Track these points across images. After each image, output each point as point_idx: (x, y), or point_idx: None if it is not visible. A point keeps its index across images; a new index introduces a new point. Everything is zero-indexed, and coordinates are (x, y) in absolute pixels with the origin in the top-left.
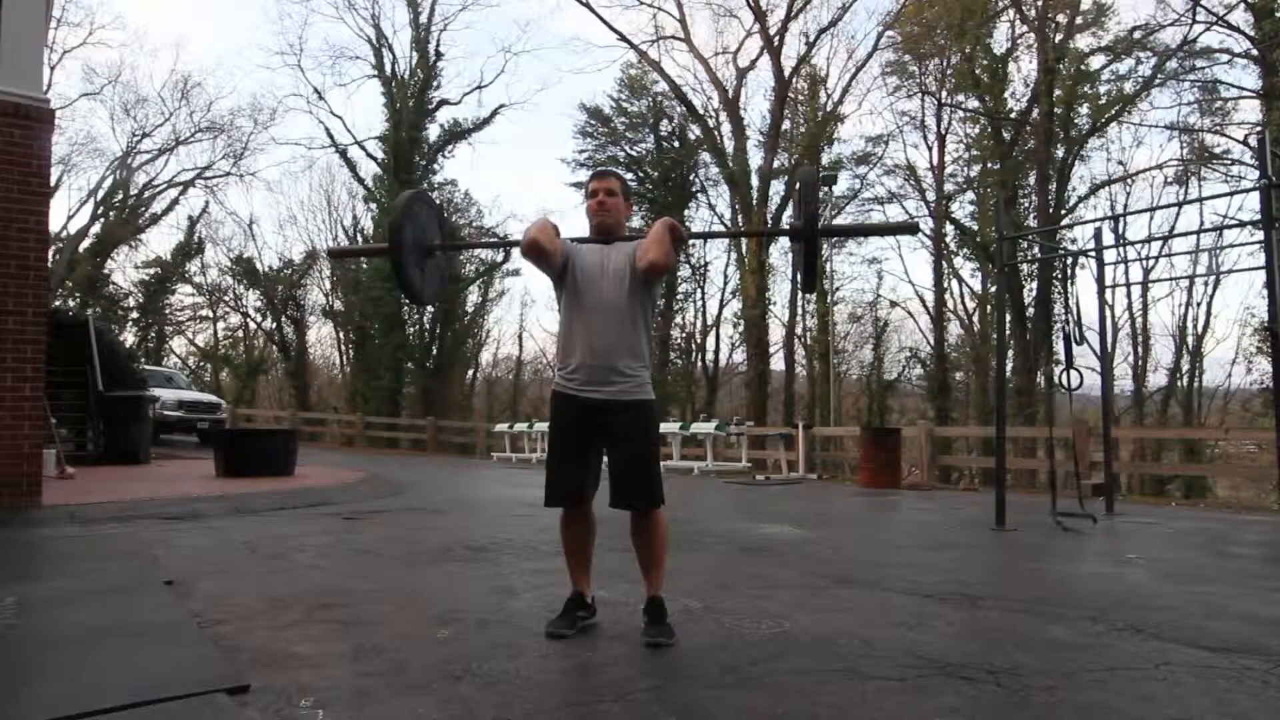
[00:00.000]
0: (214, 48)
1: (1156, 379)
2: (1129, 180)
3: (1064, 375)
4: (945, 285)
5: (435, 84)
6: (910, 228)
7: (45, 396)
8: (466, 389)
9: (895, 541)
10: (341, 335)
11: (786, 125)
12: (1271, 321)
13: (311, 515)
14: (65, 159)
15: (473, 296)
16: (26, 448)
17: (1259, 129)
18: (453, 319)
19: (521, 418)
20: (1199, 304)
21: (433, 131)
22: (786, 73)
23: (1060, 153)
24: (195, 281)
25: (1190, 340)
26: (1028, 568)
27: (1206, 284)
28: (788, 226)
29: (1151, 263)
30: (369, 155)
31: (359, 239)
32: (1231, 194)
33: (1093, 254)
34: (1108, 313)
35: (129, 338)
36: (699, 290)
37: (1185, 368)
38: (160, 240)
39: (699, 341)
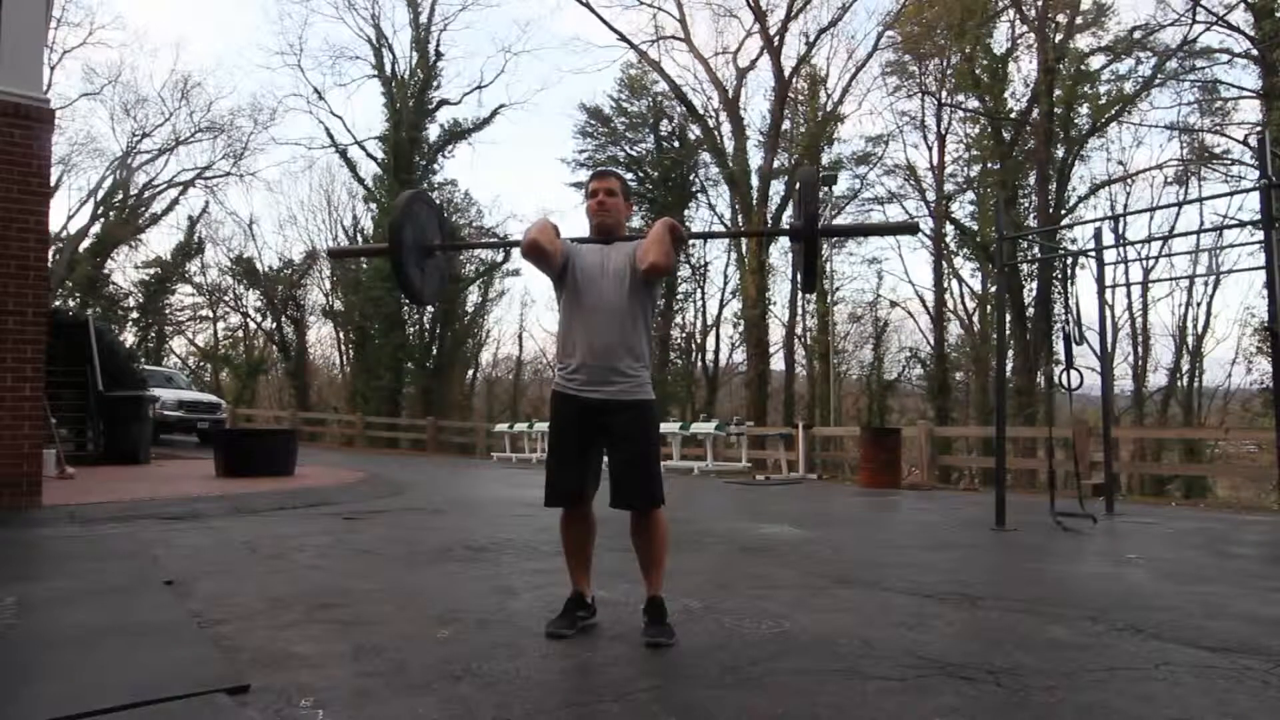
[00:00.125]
0: (214, 48)
1: (1156, 379)
2: (1129, 180)
3: (1064, 375)
4: (945, 285)
5: (435, 84)
6: (910, 228)
7: (45, 396)
8: (466, 389)
9: (895, 541)
10: (341, 335)
11: (786, 125)
12: (1271, 321)
13: (311, 515)
14: (65, 159)
15: (473, 296)
16: (26, 448)
17: (1259, 129)
18: (453, 319)
19: (521, 418)
20: (1199, 304)
21: (433, 131)
22: (786, 73)
23: (1060, 153)
24: (195, 281)
25: (1190, 340)
26: (1028, 568)
27: (1206, 284)
28: (788, 226)
29: (1151, 263)
30: (369, 155)
31: (359, 239)
32: (1231, 194)
33: (1093, 254)
34: (1108, 313)
35: (129, 338)
36: (699, 290)
37: (1185, 368)
38: (160, 240)
39: (699, 341)
